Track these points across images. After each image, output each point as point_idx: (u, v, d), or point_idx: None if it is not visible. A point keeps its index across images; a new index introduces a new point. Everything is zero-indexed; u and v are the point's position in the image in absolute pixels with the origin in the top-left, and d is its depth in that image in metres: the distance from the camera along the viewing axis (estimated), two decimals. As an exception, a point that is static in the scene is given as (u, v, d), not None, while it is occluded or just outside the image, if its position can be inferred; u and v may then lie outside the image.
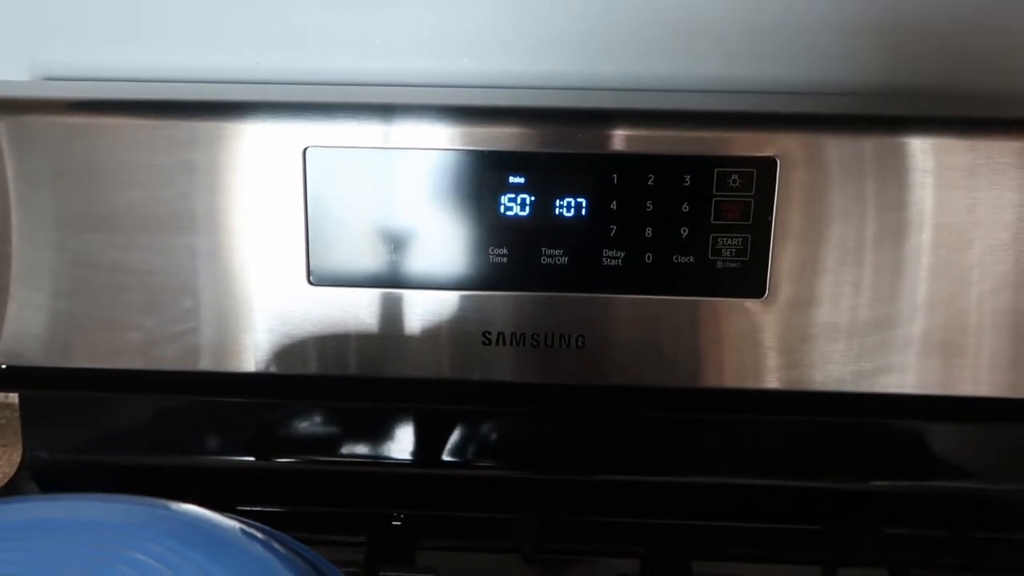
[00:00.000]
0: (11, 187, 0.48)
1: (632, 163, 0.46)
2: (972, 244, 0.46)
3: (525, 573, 0.48)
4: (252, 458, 0.55)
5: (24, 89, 0.52)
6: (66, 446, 0.55)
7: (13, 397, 0.63)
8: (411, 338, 0.49)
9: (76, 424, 0.55)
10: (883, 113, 0.48)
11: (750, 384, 0.49)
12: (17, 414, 0.56)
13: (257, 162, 0.47)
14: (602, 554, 0.51)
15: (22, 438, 0.55)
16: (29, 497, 0.32)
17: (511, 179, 0.46)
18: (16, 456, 0.56)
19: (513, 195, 0.47)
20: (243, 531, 0.27)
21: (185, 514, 0.28)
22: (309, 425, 0.55)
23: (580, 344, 0.48)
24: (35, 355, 0.50)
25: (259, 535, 0.27)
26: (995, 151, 0.46)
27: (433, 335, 0.48)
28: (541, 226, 0.47)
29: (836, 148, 0.46)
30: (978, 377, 0.48)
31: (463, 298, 0.48)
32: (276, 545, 0.27)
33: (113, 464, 0.55)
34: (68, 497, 0.28)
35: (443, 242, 0.47)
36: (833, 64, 0.53)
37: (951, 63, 0.53)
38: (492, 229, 0.47)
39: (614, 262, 0.47)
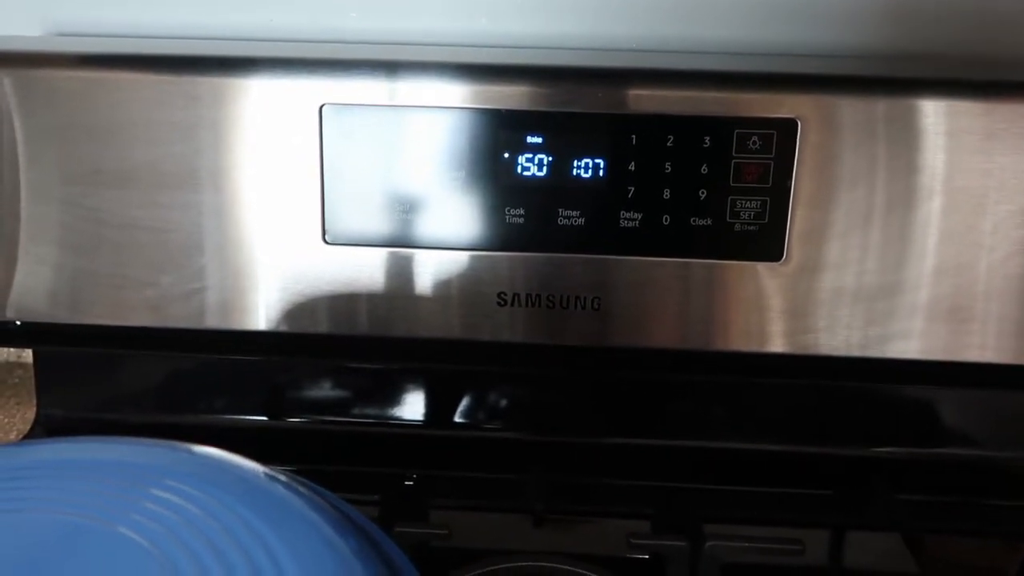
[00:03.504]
0: (23, 142, 0.48)
1: (651, 124, 0.46)
2: (987, 209, 0.46)
3: (535, 533, 0.48)
4: (265, 417, 0.55)
5: (36, 44, 0.52)
6: (79, 404, 0.55)
7: (27, 356, 0.63)
8: (426, 298, 0.48)
9: (89, 382, 0.55)
10: (903, 75, 0.48)
11: (766, 348, 0.48)
12: (31, 373, 0.56)
13: (273, 119, 0.47)
14: (612, 515, 0.51)
15: (36, 396, 0.55)
16: (56, 439, 0.32)
17: (529, 139, 0.46)
18: (30, 414, 0.56)
19: (531, 155, 0.46)
20: (265, 473, 0.27)
21: (207, 456, 0.28)
22: (322, 384, 0.55)
23: (596, 306, 0.48)
24: (47, 311, 0.50)
25: (280, 477, 0.27)
26: (1015, 115, 0.45)
27: (448, 295, 0.48)
28: (558, 187, 0.46)
29: (858, 110, 0.45)
30: (986, 343, 0.48)
31: (479, 258, 0.48)
32: (298, 486, 0.27)
33: (126, 422, 0.55)
34: (93, 439, 0.28)
35: (459, 202, 0.47)
36: (851, 27, 0.52)
37: (968, 26, 0.52)
38: (509, 189, 0.47)
39: (631, 224, 0.47)
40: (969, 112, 0.45)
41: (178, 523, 0.23)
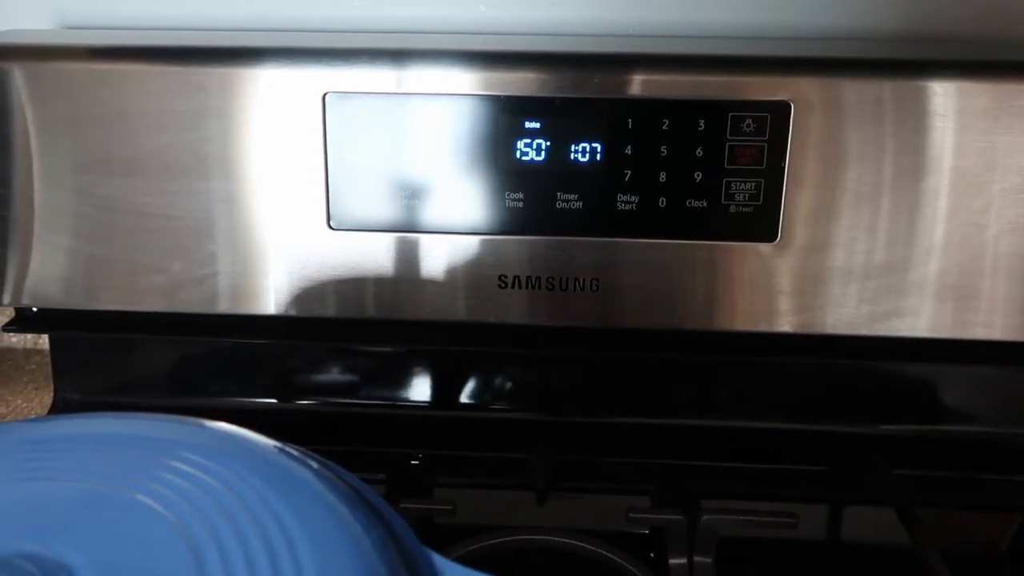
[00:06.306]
0: (35, 133, 0.49)
1: (647, 108, 0.46)
2: (987, 188, 0.47)
3: (538, 510, 0.50)
4: (275, 400, 0.57)
5: (46, 37, 0.53)
6: (94, 388, 0.57)
7: (43, 343, 0.65)
8: (428, 281, 0.50)
9: (104, 367, 0.57)
10: (898, 57, 0.48)
11: (762, 327, 0.49)
12: (47, 359, 0.58)
13: (277, 108, 0.48)
14: (613, 492, 0.52)
15: (53, 381, 0.57)
16: (71, 415, 0.33)
17: (527, 124, 0.47)
18: (47, 398, 0.58)
19: (529, 140, 0.47)
20: (275, 446, 0.29)
21: (220, 430, 0.29)
22: (329, 367, 0.56)
23: (594, 288, 0.49)
24: (62, 297, 0.51)
25: (289, 450, 0.28)
26: (1014, 95, 0.45)
27: (450, 278, 0.49)
28: (556, 171, 0.47)
29: (850, 92, 0.46)
30: (991, 321, 0.48)
31: (479, 242, 0.49)
32: (310, 461, 0.28)
33: (140, 405, 0.56)
34: (111, 415, 0.29)
35: (460, 187, 0.48)
36: (850, 10, 0.52)
37: (971, 8, 0.52)
38: (508, 174, 0.47)
39: (628, 206, 0.48)
40: (971, 92, 0.45)
41: (193, 491, 0.24)
